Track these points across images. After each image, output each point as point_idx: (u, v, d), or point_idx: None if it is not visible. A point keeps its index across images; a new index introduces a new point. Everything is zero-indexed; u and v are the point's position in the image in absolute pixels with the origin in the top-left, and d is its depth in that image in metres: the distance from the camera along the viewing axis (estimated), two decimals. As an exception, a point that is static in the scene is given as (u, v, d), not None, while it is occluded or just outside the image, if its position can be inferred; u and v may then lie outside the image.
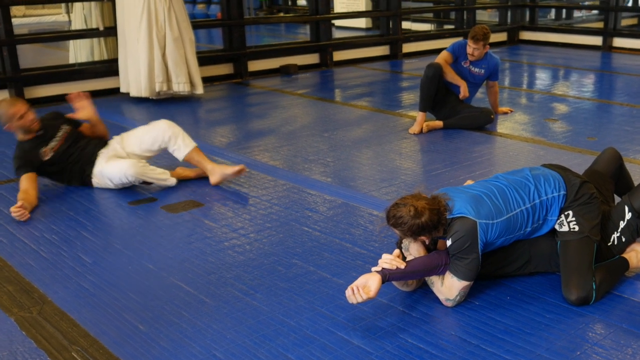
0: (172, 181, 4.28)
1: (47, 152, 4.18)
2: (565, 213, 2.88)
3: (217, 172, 4.27)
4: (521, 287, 2.92)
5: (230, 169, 4.27)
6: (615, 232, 2.96)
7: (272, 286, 2.98)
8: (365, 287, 2.59)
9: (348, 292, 2.60)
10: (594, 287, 2.75)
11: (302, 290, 2.94)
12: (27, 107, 4.16)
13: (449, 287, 2.73)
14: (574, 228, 2.84)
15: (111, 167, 4.17)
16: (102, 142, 4.39)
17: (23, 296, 2.95)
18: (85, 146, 4.31)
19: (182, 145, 4.28)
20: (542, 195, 2.86)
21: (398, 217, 2.64)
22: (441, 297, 2.77)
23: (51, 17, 15.82)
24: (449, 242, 2.69)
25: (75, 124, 4.41)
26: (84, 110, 4.40)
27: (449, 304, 2.76)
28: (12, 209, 3.80)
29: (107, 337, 2.60)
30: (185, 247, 3.44)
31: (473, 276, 2.72)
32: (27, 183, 4.04)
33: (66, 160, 4.25)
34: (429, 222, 2.62)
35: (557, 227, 2.91)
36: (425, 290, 2.89)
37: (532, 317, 2.68)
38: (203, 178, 4.40)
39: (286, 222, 3.74)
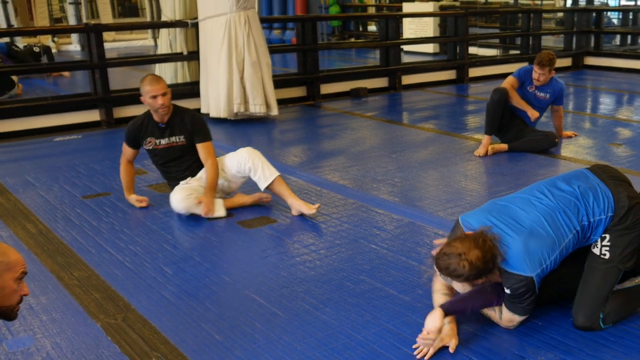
0: (221, 213, 4.21)
1: (151, 143, 4.29)
2: (603, 235, 2.75)
3: (295, 207, 4.21)
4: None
5: (306, 209, 4.17)
6: None
7: (341, 301, 3.06)
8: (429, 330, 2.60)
9: (420, 341, 2.62)
10: (602, 316, 2.72)
11: (369, 305, 3.01)
12: (164, 91, 4.12)
13: (509, 320, 2.75)
14: (604, 254, 2.74)
15: (171, 198, 4.25)
16: (197, 168, 4.37)
17: (109, 303, 3.10)
18: (186, 168, 4.36)
19: (262, 177, 4.21)
20: (590, 217, 2.72)
21: (452, 270, 2.55)
22: (501, 324, 2.80)
23: (138, 41, 16.55)
24: (507, 290, 2.65)
25: (193, 140, 4.31)
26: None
27: (511, 328, 2.78)
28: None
29: (185, 345, 2.71)
30: (260, 261, 3.56)
31: (532, 309, 2.73)
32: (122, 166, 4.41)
33: (160, 164, 4.38)
34: (484, 269, 2.55)
35: (591, 246, 2.80)
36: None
37: (593, 339, 2.70)
38: (260, 206, 4.43)
39: (355, 239, 3.83)
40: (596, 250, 2.78)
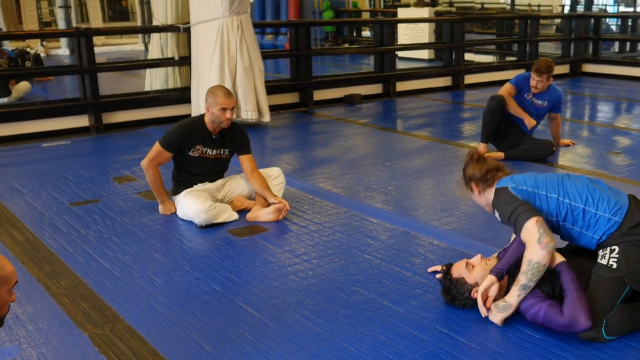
0: (235, 216, 4.28)
1: (198, 150, 4.26)
2: (612, 247, 2.80)
3: (256, 214, 4.28)
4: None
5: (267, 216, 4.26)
6: None
7: (334, 312, 3.02)
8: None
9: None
10: (604, 323, 2.69)
11: (362, 317, 2.97)
12: (234, 106, 4.22)
13: (527, 236, 2.77)
14: (611, 265, 2.77)
15: (186, 204, 4.19)
16: (218, 178, 4.45)
17: (96, 313, 3.06)
18: (215, 179, 4.41)
19: (274, 186, 4.36)
20: (593, 208, 2.84)
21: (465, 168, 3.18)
22: (531, 254, 2.75)
23: (128, 46, 16.50)
24: (497, 216, 2.95)
25: (233, 153, 4.43)
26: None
27: (543, 243, 2.72)
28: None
29: (174, 356, 2.67)
30: (250, 270, 3.52)
31: (534, 213, 2.79)
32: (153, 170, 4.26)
33: (197, 173, 4.32)
34: (481, 177, 3.06)
35: (598, 257, 2.84)
36: (486, 323, 2.89)
37: (593, 352, 2.66)
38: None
39: (348, 249, 3.79)
40: (603, 261, 2.81)
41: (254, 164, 4.39)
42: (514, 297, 2.81)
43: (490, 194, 3.03)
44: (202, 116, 4.30)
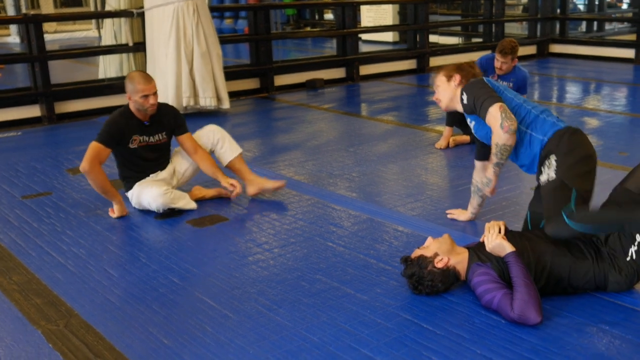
0: (193, 205, 4.19)
1: (136, 141, 4.13)
2: (550, 161, 3.02)
3: (255, 184, 4.31)
4: (549, 306, 2.86)
5: (269, 184, 4.32)
6: (633, 246, 2.85)
7: (296, 302, 2.98)
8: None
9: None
10: (565, 215, 2.81)
11: (325, 306, 2.93)
12: (155, 90, 4.07)
13: (491, 120, 3.11)
14: (551, 176, 3.00)
15: (142, 192, 4.10)
16: (166, 162, 4.35)
17: (50, 309, 2.98)
18: (161, 163, 4.30)
19: (228, 149, 4.34)
20: (544, 115, 3.17)
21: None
22: (497, 138, 3.13)
23: (82, 32, 16.12)
24: (464, 100, 3.27)
25: (171, 135, 4.30)
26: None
27: (505, 127, 3.06)
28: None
29: (132, 351, 2.62)
30: (210, 261, 3.46)
31: (499, 99, 3.12)
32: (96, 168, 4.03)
33: (140, 163, 4.20)
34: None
35: (540, 178, 3.09)
36: (450, 309, 2.87)
37: (559, 337, 2.64)
38: (222, 198, 4.39)
39: (310, 237, 3.74)
40: (544, 177, 3.05)
41: (195, 142, 4.28)
42: (491, 172, 3.36)
43: (459, 91, 3.38)
44: (126, 106, 4.15)
